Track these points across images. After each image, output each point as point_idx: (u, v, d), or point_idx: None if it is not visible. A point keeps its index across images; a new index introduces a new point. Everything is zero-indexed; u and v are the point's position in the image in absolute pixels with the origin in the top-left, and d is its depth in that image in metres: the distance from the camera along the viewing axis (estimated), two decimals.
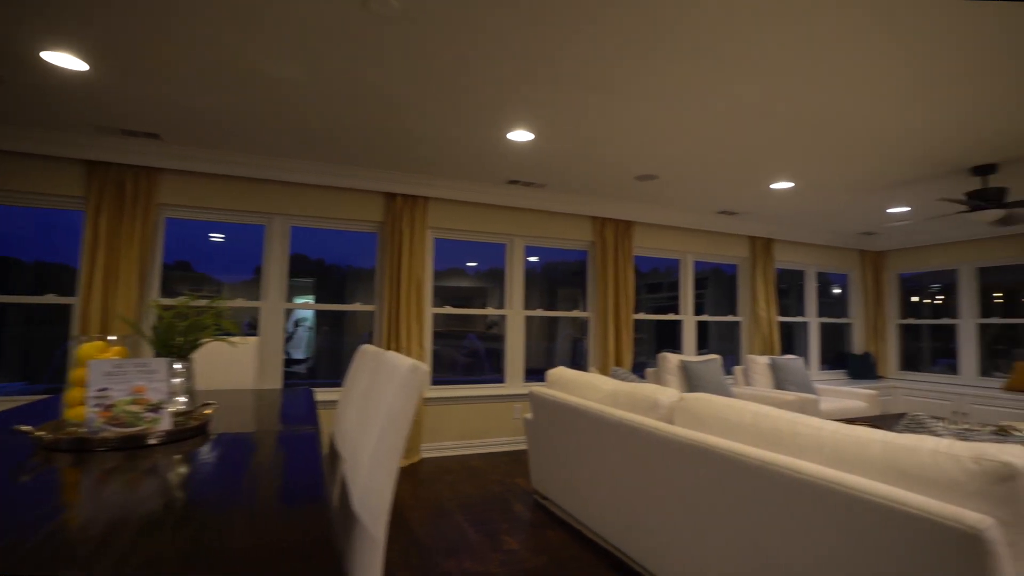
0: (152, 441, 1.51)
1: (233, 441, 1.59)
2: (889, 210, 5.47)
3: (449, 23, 2.23)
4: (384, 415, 1.42)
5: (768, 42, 2.34)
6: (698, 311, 6.17)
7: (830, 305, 7.47)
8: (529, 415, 3.47)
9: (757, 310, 6.18)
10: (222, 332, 2.04)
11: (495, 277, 5.24)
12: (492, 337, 5.21)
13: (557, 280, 5.83)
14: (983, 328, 6.47)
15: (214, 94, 2.94)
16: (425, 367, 1.44)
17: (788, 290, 7.21)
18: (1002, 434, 3.04)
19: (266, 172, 4.12)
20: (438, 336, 5.22)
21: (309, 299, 5.33)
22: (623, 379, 3.53)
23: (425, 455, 4.61)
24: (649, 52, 2.43)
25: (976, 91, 2.78)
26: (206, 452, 1.45)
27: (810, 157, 3.85)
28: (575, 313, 5.40)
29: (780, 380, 5.42)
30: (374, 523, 1.38)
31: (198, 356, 2.90)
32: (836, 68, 2.56)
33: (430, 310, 4.78)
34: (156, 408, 1.59)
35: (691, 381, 4.89)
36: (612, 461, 2.54)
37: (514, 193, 4.92)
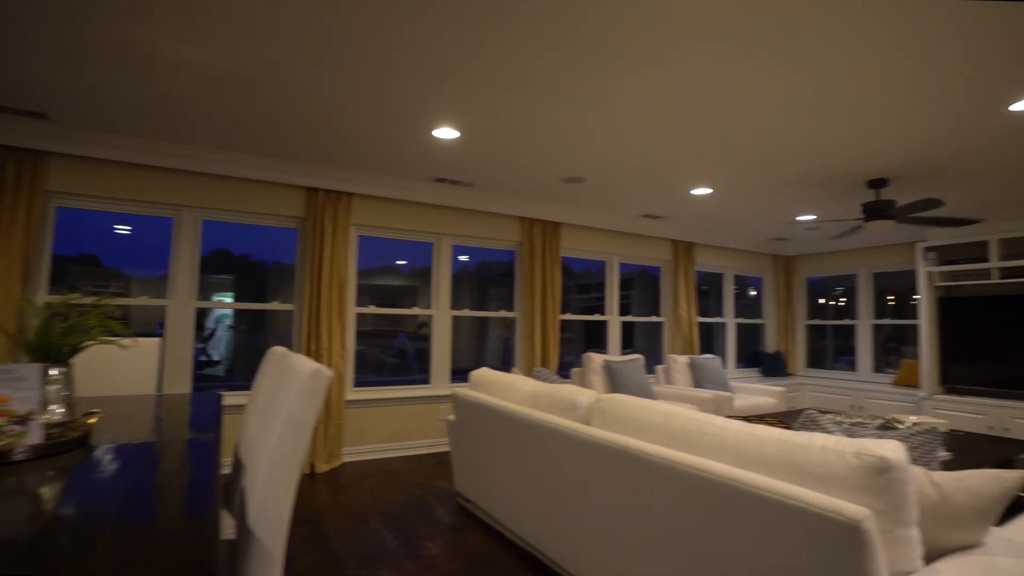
0: (18, 457, 1.35)
1: (118, 453, 1.45)
2: (798, 218, 5.84)
3: (368, 9, 2.15)
4: (283, 423, 1.34)
5: (685, 55, 2.42)
6: (625, 311, 6.35)
7: (746, 306, 7.90)
8: (452, 417, 3.42)
9: (679, 311, 6.43)
10: (109, 334, 1.87)
11: (427, 276, 5.15)
12: (423, 337, 5.12)
13: (490, 279, 5.81)
14: (877, 328, 7.06)
15: (104, 73, 2.70)
16: (328, 372, 1.37)
17: (709, 292, 7.55)
18: (887, 428, 3.31)
19: (173, 161, 3.84)
20: (367, 336, 5.07)
21: (227, 297, 5.03)
22: (545, 380, 3.56)
23: (347, 459, 4.46)
24: (572, 58, 2.45)
25: (868, 113, 3.00)
26: (83, 467, 1.31)
27: (726, 165, 4.04)
28: (502, 313, 5.41)
29: (699, 378, 5.67)
30: (271, 538, 1.30)
31: (89, 361, 2.65)
32: (747, 82, 2.69)
33: (353, 310, 4.63)
34: (23, 420, 1.43)
35: (615, 381, 5.01)
36: (532, 462, 2.55)
37: (441, 191, 4.86)
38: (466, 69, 2.60)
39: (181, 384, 3.93)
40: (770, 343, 7.75)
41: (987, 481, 1.50)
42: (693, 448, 1.81)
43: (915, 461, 1.83)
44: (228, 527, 1.58)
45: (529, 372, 5.21)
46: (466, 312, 5.21)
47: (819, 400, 7.13)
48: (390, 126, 3.38)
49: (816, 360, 7.78)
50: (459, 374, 5.10)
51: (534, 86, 2.78)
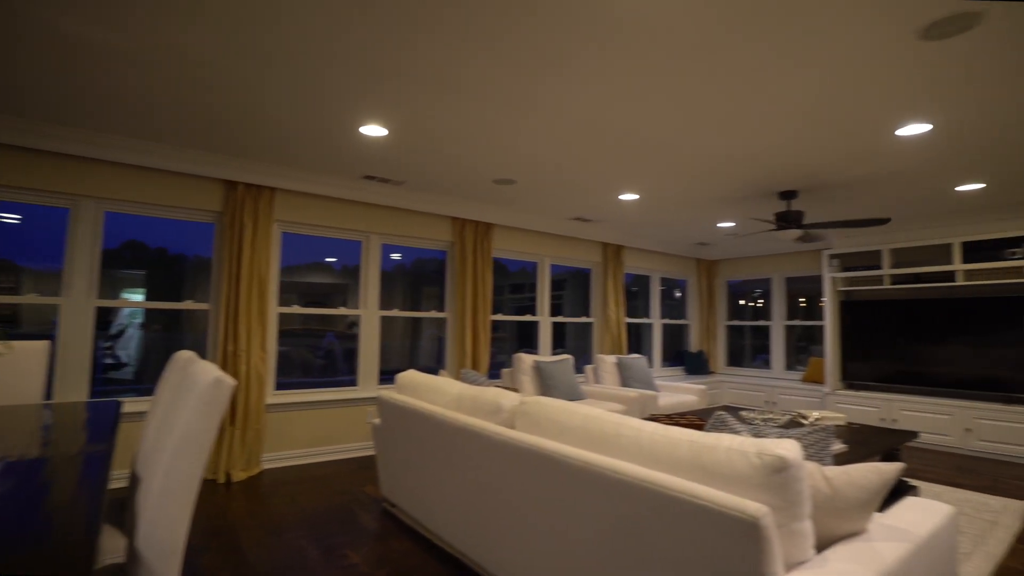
0: None
1: None
2: (719, 224, 6.14)
3: (294, 3, 2.06)
4: (180, 435, 1.25)
5: (611, 65, 2.48)
6: (558, 312, 6.45)
7: (672, 307, 8.23)
8: (377, 420, 3.35)
9: (608, 312, 6.60)
10: None
11: (359, 273, 5.00)
12: (354, 337, 4.96)
13: (425, 277, 5.72)
14: (789, 329, 7.55)
15: None
16: (230, 381, 1.29)
17: (638, 293, 7.80)
18: (793, 424, 3.54)
19: (70, 146, 3.52)
20: (294, 336, 4.86)
21: (138, 294, 4.67)
22: (472, 382, 3.55)
23: (267, 466, 4.26)
24: (501, 61, 2.45)
25: (779, 129, 3.20)
26: None
27: (652, 173, 4.18)
28: (433, 314, 5.35)
29: (626, 378, 5.84)
30: (163, 560, 1.21)
31: None
32: (672, 94, 2.79)
33: (275, 309, 4.43)
34: None
35: (544, 381, 5.07)
36: (457, 466, 2.53)
37: (370, 189, 4.74)
38: (395, 67, 2.55)
39: (77, 390, 3.62)
40: (694, 343, 8.11)
41: (869, 473, 1.63)
42: (611, 450, 1.85)
43: (811, 457, 1.96)
44: (118, 549, 1.46)
45: (458, 374, 5.18)
46: (395, 312, 5.11)
47: (738, 396, 7.53)
48: (315, 120, 3.25)
49: (735, 358, 8.22)
50: (392, 374, 5.00)
51: (463, 88, 2.76)
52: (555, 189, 4.75)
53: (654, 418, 3.79)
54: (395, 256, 5.41)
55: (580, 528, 1.85)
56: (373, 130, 3.37)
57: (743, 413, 3.98)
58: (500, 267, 6.22)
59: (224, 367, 4.01)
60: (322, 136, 3.53)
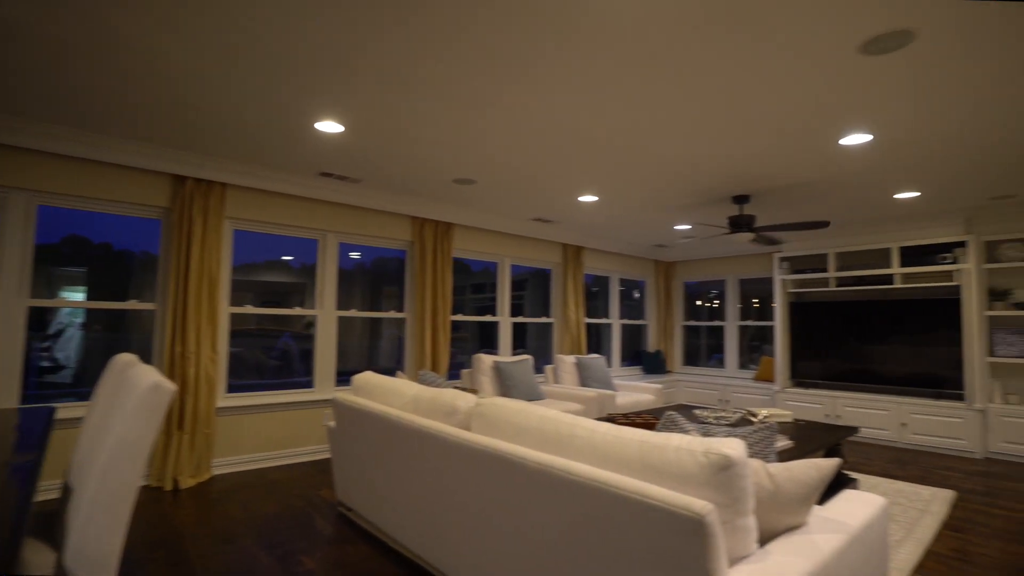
0: None
1: None
2: (676, 227, 6.29)
3: None
4: (115, 442, 1.19)
5: (572, 68, 2.50)
6: (519, 312, 6.47)
7: (631, 308, 8.38)
8: (332, 423, 3.28)
9: (567, 312, 6.67)
10: None
11: (315, 272, 4.89)
12: (311, 338, 4.85)
13: (385, 277, 5.63)
14: (743, 329, 7.79)
15: None
16: (170, 386, 1.24)
17: (598, 293, 7.91)
18: (744, 421, 3.67)
19: None
20: (248, 336, 4.71)
21: (79, 292, 4.44)
22: (430, 383, 3.53)
23: (218, 471, 4.13)
24: (460, 61, 2.45)
25: (732, 136, 3.30)
26: None
27: (611, 176, 4.25)
28: (392, 314, 5.28)
29: (584, 377, 5.91)
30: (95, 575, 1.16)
31: None
32: (631, 99, 2.84)
33: (227, 309, 4.29)
34: None
35: (504, 381, 5.09)
36: (413, 468, 2.51)
37: (327, 187, 4.64)
38: (352, 64, 2.50)
39: (7, 396, 3.41)
40: (651, 342, 8.28)
41: (809, 470, 1.70)
42: (565, 451, 1.88)
43: (756, 455, 2.03)
44: (47, 564, 1.39)
45: (415, 375, 5.14)
46: (353, 313, 5.03)
47: (693, 395, 7.73)
48: (269, 115, 3.16)
49: (692, 358, 8.44)
50: (351, 375, 4.91)
51: (423, 87, 2.73)
52: (516, 190, 4.77)
53: (611, 417, 3.85)
54: (354, 255, 5.32)
55: (536, 529, 1.86)
56: (329, 126, 3.31)
57: (696, 411, 4.08)
58: (463, 267, 6.20)
59: (171, 370, 3.86)
60: (276, 131, 3.44)
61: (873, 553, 1.93)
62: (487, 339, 6.38)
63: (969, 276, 5.25)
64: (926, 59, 2.39)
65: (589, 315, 7.43)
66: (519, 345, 6.74)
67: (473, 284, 6.82)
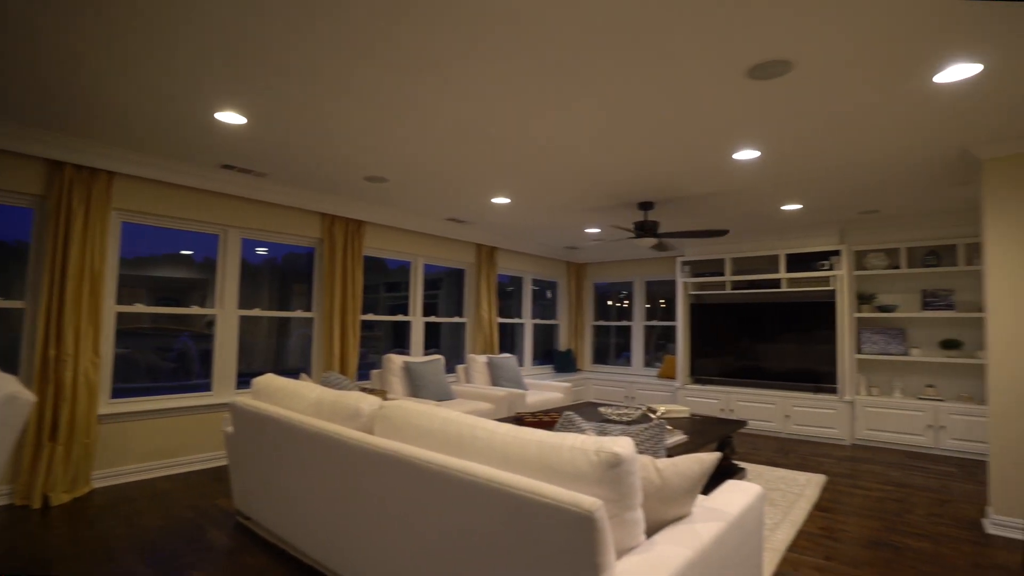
0: None
1: None
2: (587, 230, 6.52)
3: None
4: None
5: (486, 73, 2.53)
6: (433, 311, 6.43)
7: (544, 308, 8.57)
8: (231, 428, 3.12)
9: (481, 312, 6.72)
10: None
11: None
12: (212, 337, 4.55)
13: (295, 274, 5.39)
14: (649, 329, 8.21)
15: None
16: (28, 397, 1.14)
17: (512, 293, 8.02)
18: (644, 419, 3.87)
19: None
20: (140, 336, 4.35)
21: None
22: (335, 385, 3.44)
23: (100, 484, 3.78)
24: (374, 60, 2.40)
25: (636, 147, 3.48)
26: None
27: (523, 178, 4.33)
28: (299, 313, 5.08)
29: (496, 377, 5.99)
30: None
31: None
32: (541, 106, 2.91)
33: (112, 308, 3.95)
34: None
35: (414, 382, 5.05)
36: (315, 473, 2.44)
37: (229, 179, 4.38)
38: (256, 54, 2.38)
39: None
40: (563, 342, 8.52)
41: (693, 464, 1.84)
42: (467, 453, 1.90)
43: (647, 451, 2.16)
44: None
45: (321, 377, 4.99)
46: (256, 312, 4.78)
47: (601, 393, 8.04)
48: (162, 101, 2.94)
49: (601, 356, 8.77)
50: (256, 376, 4.67)
51: (331, 82, 2.66)
52: (429, 189, 4.74)
53: (519, 416, 3.94)
54: (261, 251, 5.06)
55: (439, 531, 1.88)
56: (230, 117, 3.13)
57: (602, 409, 4.26)
58: (379, 264, 6.06)
59: (43, 375, 3.49)
60: (171, 119, 3.20)
61: (749, 536, 2.11)
62: (401, 338, 6.29)
63: (842, 281, 5.86)
64: (803, 87, 2.65)
65: (502, 315, 7.52)
66: (432, 345, 6.71)
67: (388, 282, 6.70)
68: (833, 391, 5.95)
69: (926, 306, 5.60)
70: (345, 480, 2.26)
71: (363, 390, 3.58)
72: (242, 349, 4.69)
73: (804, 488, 4.01)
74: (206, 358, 4.56)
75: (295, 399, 2.74)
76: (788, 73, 2.50)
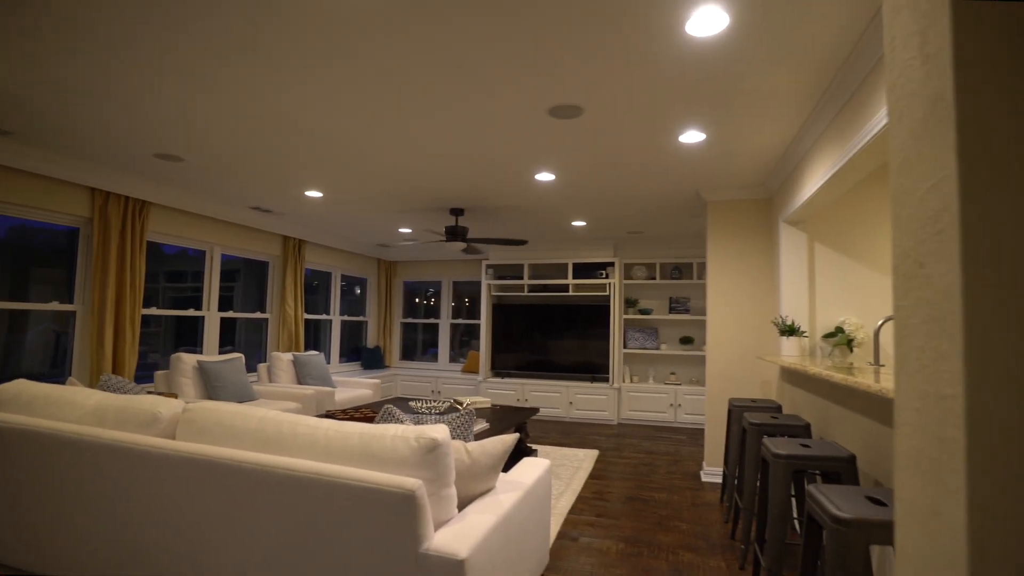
0: None
1: None
2: (400, 229, 6.63)
3: None
4: None
5: (297, 60, 2.52)
6: (228, 305, 5.90)
7: (352, 304, 8.42)
8: None
9: (286, 308, 6.38)
10: None
11: None
12: None
13: (36, 256, 4.42)
14: (455, 326, 8.61)
15: None
16: None
17: (318, 287, 7.72)
18: (451, 410, 4.17)
19: None
20: None
21: None
22: (118, 389, 3.05)
23: None
24: (160, 17, 2.24)
25: (447, 156, 3.74)
26: None
27: (336, 174, 4.29)
28: (55, 306, 4.27)
29: (302, 375, 5.77)
30: None
31: None
32: (354, 103, 2.98)
33: None
34: None
35: (210, 383, 4.64)
36: (100, 492, 2.18)
37: None
38: None
39: None
40: (371, 338, 8.48)
41: (497, 444, 2.14)
42: (289, 450, 1.94)
43: (458, 436, 2.42)
44: None
45: (94, 381, 4.29)
46: None
47: (409, 388, 8.22)
48: None
49: (409, 353, 8.93)
50: None
51: (113, 38, 2.37)
52: (232, 175, 4.40)
53: (330, 414, 3.92)
54: None
55: (264, 532, 1.88)
56: None
57: (411, 403, 4.45)
58: (154, 249, 5.33)
59: None
60: None
61: (540, 502, 2.51)
62: (185, 335, 5.64)
63: (615, 288, 6.94)
64: (590, 129, 3.18)
65: (308, 311, 7.23)
66: (227, 342, 6.15)
67: (169, 271, 5.94)
68: (606, 380, 7.01)
69: (672, 310, 6.98)
70: (143, 494, 2.08)
71: (149, 394, 3.22)
72: None
73: (582, 462, 4.72)
74: None
75: (66, 408, 2.40)
76: (579, 116, 3.00)
